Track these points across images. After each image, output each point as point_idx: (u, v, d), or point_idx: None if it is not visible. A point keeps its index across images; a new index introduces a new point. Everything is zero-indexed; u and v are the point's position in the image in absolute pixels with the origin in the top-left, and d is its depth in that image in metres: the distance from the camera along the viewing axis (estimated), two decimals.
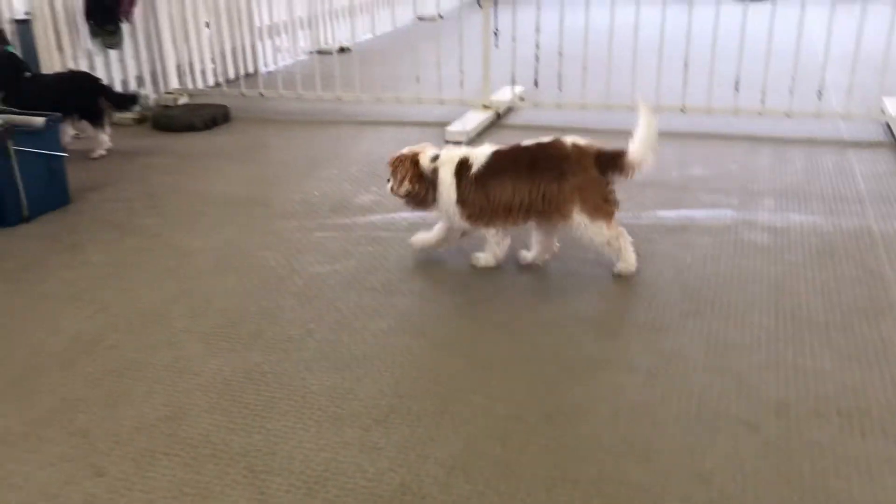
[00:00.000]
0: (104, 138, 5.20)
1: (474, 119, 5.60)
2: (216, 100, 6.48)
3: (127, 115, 5.93)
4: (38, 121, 4.14)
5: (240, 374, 2.67)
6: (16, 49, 5.74)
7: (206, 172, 4.89)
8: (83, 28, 5.79)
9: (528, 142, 3.31)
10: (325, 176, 4.74)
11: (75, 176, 4.51)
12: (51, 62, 5.56)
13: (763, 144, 5.14)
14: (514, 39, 5.74)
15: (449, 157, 3.32)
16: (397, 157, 3.39)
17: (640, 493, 2.09)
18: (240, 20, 7.43)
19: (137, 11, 6.14)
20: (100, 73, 5.88)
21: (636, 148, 3.19)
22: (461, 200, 3.28)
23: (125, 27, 6.03)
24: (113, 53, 6.08)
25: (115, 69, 6.13)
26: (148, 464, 2.24)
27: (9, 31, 5.95)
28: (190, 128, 5.87)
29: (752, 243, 3.60)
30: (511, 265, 3.45)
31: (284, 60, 8.26)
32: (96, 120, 5.14)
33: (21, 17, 6.04)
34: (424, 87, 6.14)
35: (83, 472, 2.21)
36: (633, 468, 2.18)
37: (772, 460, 2.20)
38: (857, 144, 5.11)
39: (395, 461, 2.23)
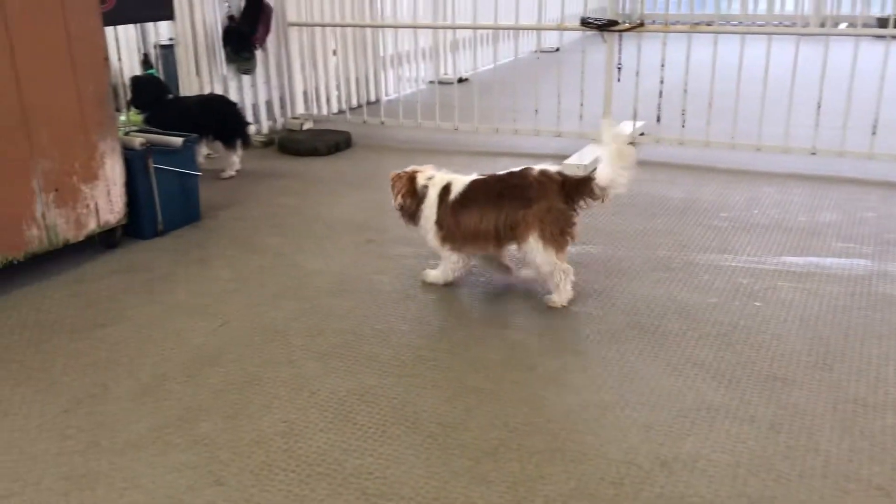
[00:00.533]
0: (235, 159, 5.45)
1: (593, 152, 5.55)
2: (339, 126, 6.70)
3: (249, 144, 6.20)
4: (177, 141, 4.39)
5: (354, 395, 2.72)
6: (158, 72, 6.13)
7: (327, 196, 5.05)
8: (220, 54, 6.11)
9: (502, 171, 3.45)
10: None
11: (206, 194, 4.75)
12: (189, 85, 5.89)
13: None
14: (637, 74, 5.68)
15: (440, 179, 3.52)
16: (398, 174, 3.60)
17: None
18: (365, 50, 7.67)
19: (270, 39, 6.44)
20: (232, 97, 6.19)
21: (603, 171, 3.24)
22: (438, 221, 3.47)
23: (258, 54, 6.33)
24: (245, 78, 6.38)
25: (247, 93, 6.43)
26: (265, 477, 2.31)
27: (153, 55, 6.36)
28: (313, 152, 6.08)
29: (888, 296, 3.40)
30: (625, 307, 3.38)
31: (405, 90, 8.45)
32: (230, 142, 5.40)
33: (165, 42, 6.45)
34: (543, 119, 6.15)
35: (205, 480, 2.30)
36: None
37: None
38: None
39: (505, 496, 2.21)
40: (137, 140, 4.22)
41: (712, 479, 2.27)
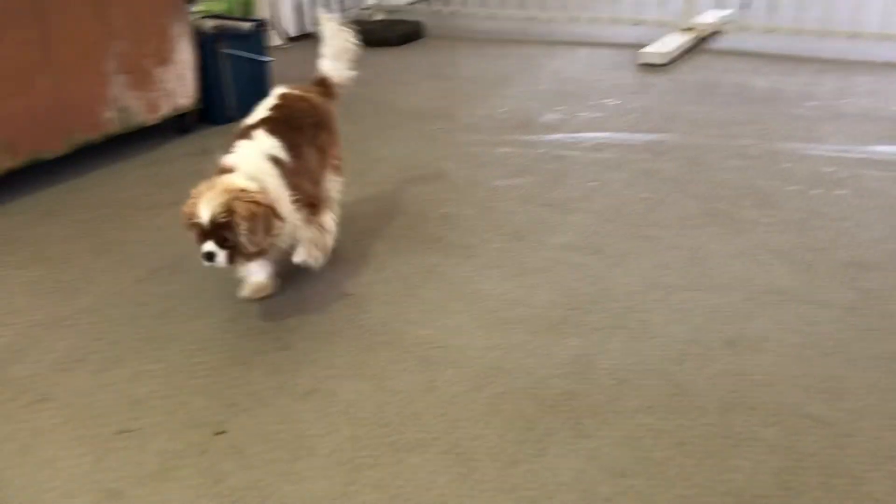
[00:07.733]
0: None
1: (673, 42, 5.31)
2: (410, 16, 6.56)
3: None
4: (246, 25, 4.37)
5: (420, 273, 2.74)
6: None
7: (397, 86, 4.98)
8: None
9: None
10: (512, 94, 4.69)
11: (279, 81, 4.74)
12: None
13: None
14: None
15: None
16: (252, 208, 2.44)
17: (823, 427, 1.95)
18: None
19: None
20: None
21: (329, 66, 3.19)
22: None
23: None
24: None
25: None
26: (329, 343, 2.36)
27: None
28: (384, 43, 5.98)
29: None
30: (700, 194, 3.27)
31: None
32: None
33: None
34: (621, 7, 5.88)
35: (273, 345, 2.37)
36: (818, 404, 2.04)
37: None
38: None
39: (564, 367, 2.21)
40: (208, 24, 4.21)
41: (779, 358, 2.22)
